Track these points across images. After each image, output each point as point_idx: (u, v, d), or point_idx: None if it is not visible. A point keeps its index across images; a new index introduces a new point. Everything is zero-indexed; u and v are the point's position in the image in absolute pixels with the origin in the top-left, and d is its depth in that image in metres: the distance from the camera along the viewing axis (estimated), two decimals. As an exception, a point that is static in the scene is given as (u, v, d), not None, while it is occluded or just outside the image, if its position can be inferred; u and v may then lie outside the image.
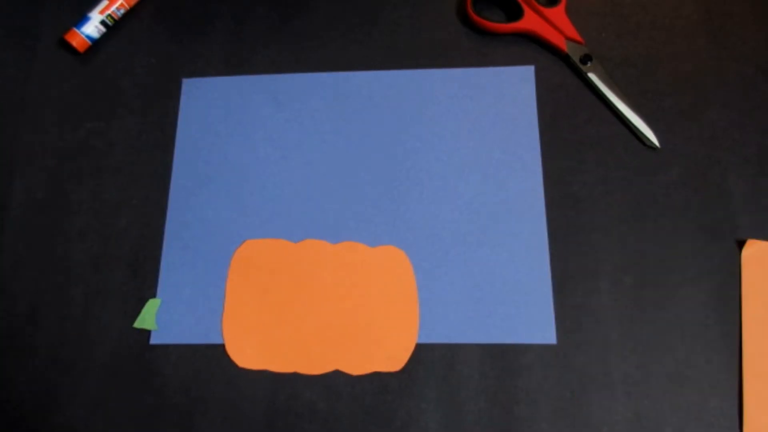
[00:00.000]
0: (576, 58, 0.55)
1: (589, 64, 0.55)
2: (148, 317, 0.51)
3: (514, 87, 0.55)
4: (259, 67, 0.58)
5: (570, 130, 0.54)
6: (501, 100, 0.55)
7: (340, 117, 0.56)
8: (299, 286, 0.52)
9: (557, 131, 0.54)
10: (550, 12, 0.56)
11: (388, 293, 0.51)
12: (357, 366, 0.49)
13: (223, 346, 0.50)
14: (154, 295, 0.52)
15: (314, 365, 0.50)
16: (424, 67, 0.57)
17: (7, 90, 0.59)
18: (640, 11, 0.57)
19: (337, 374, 0.49)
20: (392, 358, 0.49)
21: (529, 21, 0.56)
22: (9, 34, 0.61)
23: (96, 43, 0.59)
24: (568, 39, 0.55)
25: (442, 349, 0.49)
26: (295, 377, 0.49)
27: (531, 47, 0.57)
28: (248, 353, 0.50)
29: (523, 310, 0.50)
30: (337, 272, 0.52)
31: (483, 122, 0.55)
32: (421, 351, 0.49)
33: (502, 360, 0.49)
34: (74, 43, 0.58)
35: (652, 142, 0.53)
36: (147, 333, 0.51)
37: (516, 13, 0.57)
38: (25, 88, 0.59)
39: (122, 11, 0.59)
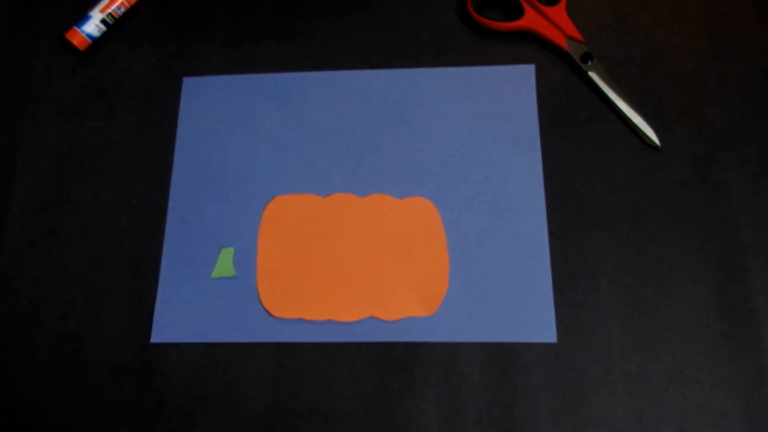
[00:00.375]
0: (576, 57, 0.55)
1: (589, 63, 0.55)
2: (224, 266, 0.51)
3: (515, 86, 0.55)
4: (259, 66, 0.58)
5: (570, 128, 0.54)
6: (501, 99, 0.55)
7: (340, 116, 0.56)
8: (330, 237, 0.52)
9: (558, 130, 0.54)
10: (550, 10, 0.56)
11: (417, 241, 0.52)
12: (390, 312, 0.50)
13: (227, 344, 0.50)
14: (154, 295, 0.52)
15: (348, 313, 0.50)
16: (424, 65, 0.57)
17: (8, 88, 0.59)
18: (641, 10, 0.57)
19: (337, 372, 0.49)
20: (425, 303, 0.50)
21: (530, 19, 0.56)
22: (10, 33, 0.61)
23: (96, 42, 0.59)
24: (569, 38, 0.55)
25: (442, 348, 0.49)
26: (296, 374, 0.49)
27: (531, 46, 0.56)
28: (282, 303, 0.51)
29: (523, 309, 0.50)
30: (367, 223, 0.53)
31: (483, 121, 0.55)
32: (420, 350, 0.49)
33: (502, 359, 0.49)
34: (75, 41, 0.58)
35: (652, 141, 0.53)
36: (147, 332, 0.51)
37: (516, 12, 0.57)
38: (26, 86, 0.59)
39: (123, 10, 0.59)
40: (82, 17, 0.58)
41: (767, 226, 0.50)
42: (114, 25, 0.59)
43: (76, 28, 0.58)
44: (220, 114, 0.56)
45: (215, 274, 0.51)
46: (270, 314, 0.51)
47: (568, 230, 0.51)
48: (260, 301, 0.51)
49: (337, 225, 0.53)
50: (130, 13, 0.60)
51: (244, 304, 0.51)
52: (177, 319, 0.51)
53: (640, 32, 0.56)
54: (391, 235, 0.52)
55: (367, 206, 0.53)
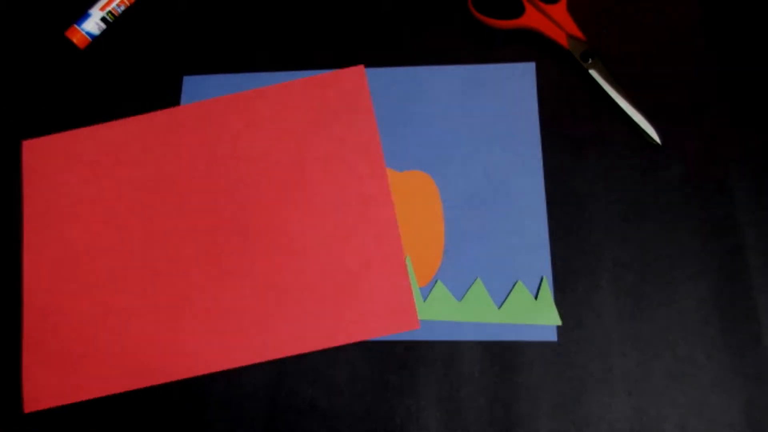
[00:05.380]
0: (577, 55, 0.55)
1: (590, 61, 0.55)
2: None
3: (515, 84, 0.55)
4: (259, 65, 0.58)
5: (571, 126, 0.54)
6: (502, 97, 0.55)
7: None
8: None
9: (558, 128, 0.54)
10: (551, 8, 0.56)
11: (415, 214, 0.52)
12: None
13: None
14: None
15: None
16: (425, 63, 0.56)
17: (8, 87, 0.59)
18: (642, 8, 0.57)
19: (338, 370, 0.49)
20: (418, 275, 0.51)
21: (531, 17, 0.56)
22: (10, 31, 0.60)
23: (96, 40, 0.59)
24: (570, 35, 0.55)
25: (442, 346, 0.49)
26: (296, 373, 0.49)
27: (532, 44, 0.56)
28: None
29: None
30: None
31: (484, 119, 0.54)
32: (421, 348, 0.49)
33: (502, 357, 0.49)
34: (75, 39, 0.58)
35: (653, 139, 0.52)
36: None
37: (517, 10, 0.57)
38: (26, 84, 0.59)
39: (122, 8, 0.59)
40: (82, 15, 0.58)
41: (767, 225, 0.50)
42: (114, 23, 0.59)
43: (75, 26, 0.58)
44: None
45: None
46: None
47: (568, 228, 0.51)
48: None
49: None
50: (129, 11, 0.60)
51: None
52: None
53: (641, 30, 0.56)
54: None
55: None
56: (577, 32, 0.55)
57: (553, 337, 0.49)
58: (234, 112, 0.55)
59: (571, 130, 0.54)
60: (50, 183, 0.54)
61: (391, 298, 0.50)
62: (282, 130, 0.55)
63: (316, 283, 0.51)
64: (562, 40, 0.55)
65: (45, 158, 0.55)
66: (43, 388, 0.50)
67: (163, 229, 0.52)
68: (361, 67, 0.55)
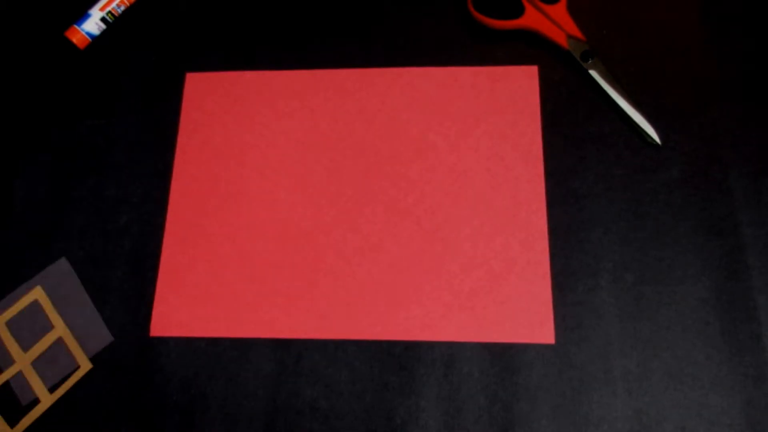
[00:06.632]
0: (577, 55, 0.55)
1: (590, 61, 0.55)
2: None
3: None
4: (260, 63, 0.58)
5: (571, 127, 0.54)
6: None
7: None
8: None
9: (558, 128, 0.54)
10: (551, 9, 0.56)
11: None
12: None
13: (227, 343, 0.50)
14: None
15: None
16: (424, 64, 0.56)
17: (8, 87, 0.59)
18: (642, 8, 0.57)
19: (338, 370, 0.49)
20: None
21: (531, 18, 0.56)
22: (10, 31, 0.60)
23: (96, 40, 0.59)
24: (570, 36, 0.55)
25: (441, 347, 0.49)
26: (295, 373, 0.49)
27: (532, 44, 0.56)
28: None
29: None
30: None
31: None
32: (421, 348, 0.49)
33: (502, 357, 0.49)
34: (74, 40, 0.58)
35: (653, 140, 0.52)
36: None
37: (517, 10, 0.57)
38: (26, 85, 0.59)
39: (122, 8, 0.59)
40: (82, 15, 0.58)
41: (767, 225, 0.50)
42: (114, 23, 0.59)
43: (75, 26, 0.58)
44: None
45: None
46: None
47: (568, 228, 0.51)
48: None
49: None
50: (130, 11, 0.60)
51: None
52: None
53: (641, 30, 0.56)
54: None
55: None
56: (577, 32, 0.55)
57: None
58: (396, 86, 0.55)
59: (571, 131, 0.54)
60: (207, 118, 0.55)
61: (530, 307, 0.49)
62: (443, 113, 0.54)
63: (456, 274, 0.50)
64: (562, 40, 0.55)
65: (206, 93, 0.55)
66: (171, 316, 0.50)
67: (310, 188, 0.53)
68: (534, 68, 0.55)
